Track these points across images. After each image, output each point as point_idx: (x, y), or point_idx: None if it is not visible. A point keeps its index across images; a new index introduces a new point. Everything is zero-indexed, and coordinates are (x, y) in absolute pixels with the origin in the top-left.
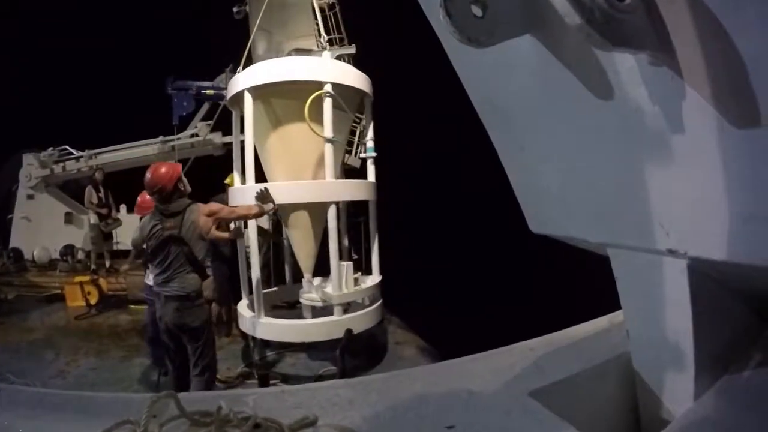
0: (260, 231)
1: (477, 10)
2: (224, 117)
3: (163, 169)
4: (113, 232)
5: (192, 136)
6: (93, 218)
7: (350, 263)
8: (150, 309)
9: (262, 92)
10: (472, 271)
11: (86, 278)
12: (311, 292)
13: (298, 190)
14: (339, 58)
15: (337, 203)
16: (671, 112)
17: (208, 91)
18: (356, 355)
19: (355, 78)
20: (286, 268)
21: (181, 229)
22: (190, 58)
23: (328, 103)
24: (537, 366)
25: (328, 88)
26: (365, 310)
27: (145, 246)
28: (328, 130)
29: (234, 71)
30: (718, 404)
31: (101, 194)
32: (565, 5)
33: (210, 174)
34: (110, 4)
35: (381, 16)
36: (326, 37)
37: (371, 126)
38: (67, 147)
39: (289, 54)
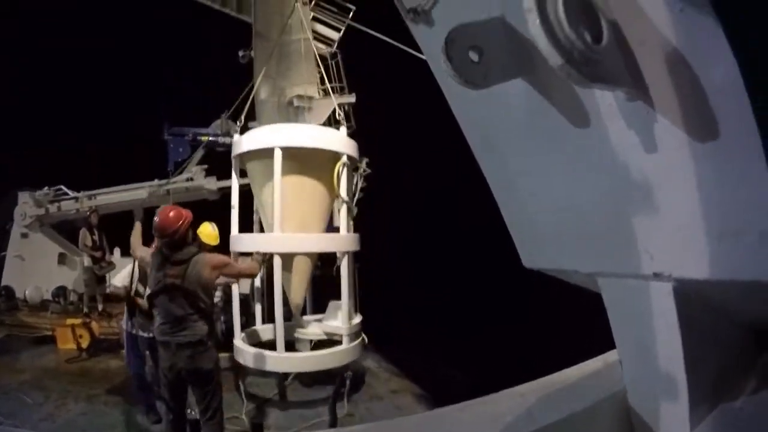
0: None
1: (474, 56)
2: (220, 162)
3: (171, 213)
4: (107, 275)
5: (187, 180)
6: (87, 261)
7: (351, 302)
8: (134, 356)
9: (288, 152)
10: (466, 307)
11: (78, 321)
12: (306, 328)
13: (313, 241)
14: (340, 105)
15: (347, 253)
16: (647, 143)
17: (203, 138)
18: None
19: (354, 148)
20: (257, 308)
21: (185, 278)
22: (187, 101)
23: (344, 171)
24: (528, 412)
25: (344, 159)
26: (357, 342)
27: (147, 291)
28: (344, 192)
29: (230, 117)
30: None
31: (96, 237)
32: (548, 48)
33: (203, 219)
34: (111, 48)
35: (379, 65)
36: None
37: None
38: (63, 187)
39: (291, 101)
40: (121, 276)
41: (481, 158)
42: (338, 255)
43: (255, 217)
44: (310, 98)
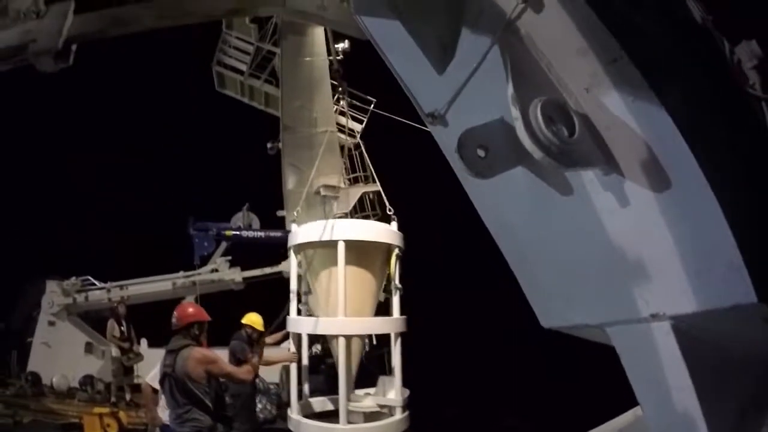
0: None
1: (481, 152)
2: (243, 253)
3: (184, 306)
4: (134, 366)
5: (212, 271)
6: (115, 351)
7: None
8: None
9: (347, 244)
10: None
11: (106, 410)
12: (360, 401)
13: (369, 324)
14: (365, 194)
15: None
16: (624, 205)
17: (227, 232)
18: None
19: (402, 239)
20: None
21: (174, 368)
22: (210, 194)
23: (396, 261)
24: None
25: (397, 250)
26: (406, 413)
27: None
28: (397, 280)
29: (250, 209)
30: None
31: (123, 327)
32: (531, 146)
33: (228, 309)
34: (136, 138)
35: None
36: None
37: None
38: (90, 277)
39: (318, 190)
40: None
41: (497, 235)
42: (392, 336)
43: (293, 302)
44: (337, 188)
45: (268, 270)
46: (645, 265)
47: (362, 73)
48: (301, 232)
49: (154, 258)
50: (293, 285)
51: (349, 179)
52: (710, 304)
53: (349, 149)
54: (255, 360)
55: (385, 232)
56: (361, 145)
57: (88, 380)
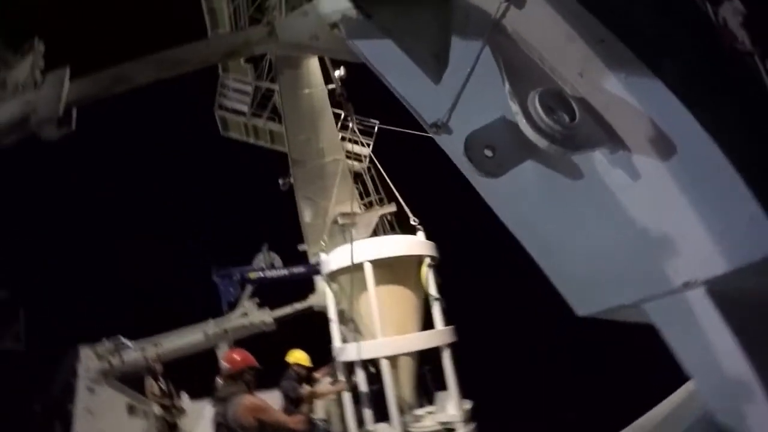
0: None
1: (488, 152)
2: (269, 292)
3: (232, 353)
4: (178, 421)
5: (242, 315)
6: (157, 409)
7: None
8: None
9: (377, 263)
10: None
11: None
12: (422, 421)
13: (414, 340)
14: (383, 216)
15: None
16: (635, 178)
17: (251, 275)
18: None
19: (434, 249)
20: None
21: (226, 416)
22: (229, 239)
23: (431, 271)
24: None
25: (428, 260)
26: (471, 427)
27: None
28: (433, 290)
29: (270, 249)
30: None
31: (162, 384)
32: (535, 136)
33: (262, 351)
34: (147, 194)
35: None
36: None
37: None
38: (121, 337)
39: (335, 219)
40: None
41: (517, 232)
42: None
43: (335, 331)
44: (354, 214)
45: (297, 306)
46: (668, 234)
47: (361, 97)
48: (331, 260)
49: (180, 311)
50: (332, 314)
51: (365, 204)
52: (740, 261)
53: (360, 174)
54: (306, 409)
55: (411, 245)
56: (372, 169)
57: None
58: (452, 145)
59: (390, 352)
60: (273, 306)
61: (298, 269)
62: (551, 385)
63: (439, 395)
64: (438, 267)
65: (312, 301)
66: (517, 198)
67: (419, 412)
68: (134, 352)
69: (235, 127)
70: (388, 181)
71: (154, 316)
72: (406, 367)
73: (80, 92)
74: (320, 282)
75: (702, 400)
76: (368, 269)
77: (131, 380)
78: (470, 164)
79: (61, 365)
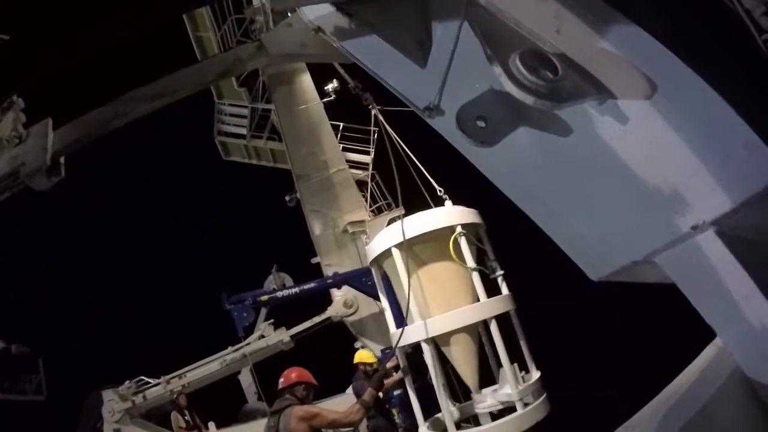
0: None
1: (481, 123)
2: (284, 311)
3: (289, 371)
4: None
5: (259, 338)
6: None
7: (515, 365)
8: None
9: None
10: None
11: None
12: (486, 401)
13: (466, 315)
14: (391, 220)
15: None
16: (631, 128)
17: (263, 298)
18: None
19: (470, 215)
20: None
21: (278, 428)
22: (241, 263)
23: (464, 240)
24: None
25: (458, 229)
26: (538, 401)
27: None
28: (470, 261)
29: (281, 269)
30: None
31: (187, 417)
32: (521, 94)
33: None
34: (153, 229)
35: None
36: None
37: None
38: (143, 377)
39: (345, 229)
40: None
41: (519, 201)
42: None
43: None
44: (363, 222)
45: (317, 319)
46: (668, 179)
47: (357, 107)
48: (371, 248)
49: (198, 342)
50: (383, 300)
51: (373, 210)
52: (744, 193)
53: (365, 182)
54: (366, 396)
55: (439, 217)
56: (376, 175)
57: None
58: (446, 126)
59: (433, 333)
60: (295, 321)
61: (309, 286)
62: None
63: (501, 371)
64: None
65: (330, 312)
66: (515, 167)
67: (486, 390)
68: (156, 389)
69: (236, 151)
70: (409, 153)
71: (172, 351)
72: (464, 346)
73: (65, 140)
74: (335, 294)
75: (729, 356)
76: (396, 253)
77: (158, 417)
78: (465, 136)
79: (84, 410)
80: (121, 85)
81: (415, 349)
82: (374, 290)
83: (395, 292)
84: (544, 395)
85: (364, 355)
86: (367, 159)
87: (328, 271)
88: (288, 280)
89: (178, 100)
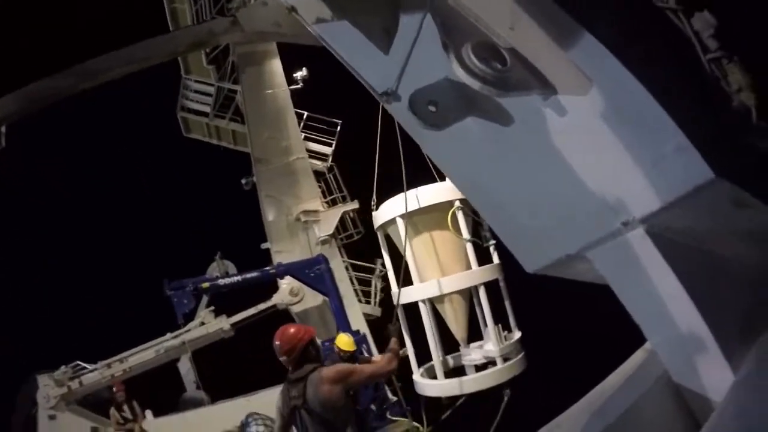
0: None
1: (432, 108)
2: (226, 299)
3: (291, 330)
4: None
5: (200, 325)
6: None
7: (499, 325)
8: None
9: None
10: None
11: None
12: (471, 355)
13: (459, 280)
14: (344, 214)
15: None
16: (572, 124)
17: (204, 285)
18: None
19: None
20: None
21: (305, 399)
22: (192, 245)
23: (461, 214)
24: None
25: (457, 203)
26: (515, 359)
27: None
28: (465, 233)
29: (222, 257)
30: (758, 370)
31: (125, 412)
32: (469, 79)
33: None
34: (102, 204)
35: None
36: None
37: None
38: (80, 362)
39: (298, 217)
40: None
41: (465, 190)
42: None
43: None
44: (316, 212)
45: (261, 306)
46: (603, 174)
47: (325, 97)
48: (379, 215)
49: (139, 328)
50: (387, 261)
51: (327, 202)
52: (672, 193)
53: (323, 173)
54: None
55: (440, 192)
56: (334, 167)
57: None
58: (401, 111)
59: (434, 294)
60: (240, 310)
61: (252, 275)
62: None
63: (486, 330)
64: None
65: (275, 300)
66: (461, 154)
67: (473, 345)
68: (93, 375)
69: (197, 128)
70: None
71: (111, 335)
72: (456, 306)
73: (5, 109)
74: (282, 281)
75: (658, 359)
76: (400, 224)
77: (93, 403)
78: (415, 118)
79: (19, 396)
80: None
81: (397, 318)
82: (317, 282)
83: (402, 255)
84: (522, 353)
85: (344, 341)
86: (327, 150)
87: (277, 258)
88: (231, 268)
89: (149, 69)
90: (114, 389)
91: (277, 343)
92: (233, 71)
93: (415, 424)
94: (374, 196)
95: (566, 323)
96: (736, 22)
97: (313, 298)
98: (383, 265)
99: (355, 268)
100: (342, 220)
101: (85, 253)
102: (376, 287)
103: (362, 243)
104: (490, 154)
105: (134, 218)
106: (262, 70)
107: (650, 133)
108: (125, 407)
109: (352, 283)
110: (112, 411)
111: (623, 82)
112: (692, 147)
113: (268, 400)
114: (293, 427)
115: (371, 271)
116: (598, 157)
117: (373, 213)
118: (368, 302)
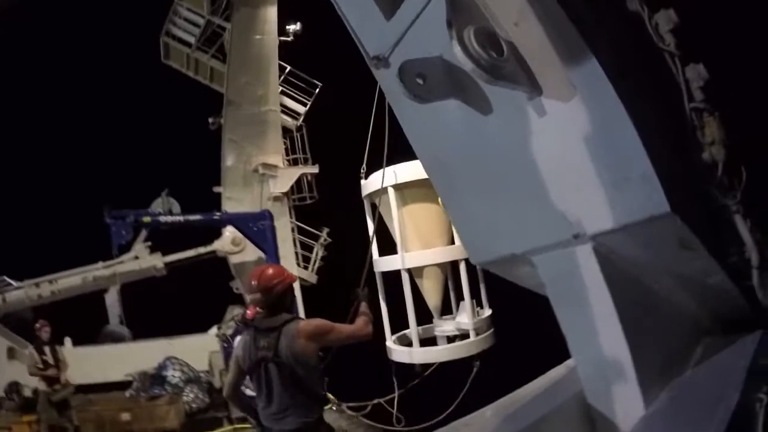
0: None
1: (419, 80)
2: (164, 238)
3: (272, 269)
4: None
5: (133, 259)
6: (41, 385)
7: (474, 300)
8: None
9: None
10: None
11: (35, 418)
12: (443, 326)
13: (442, 253)
14: (303, 176)
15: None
16: (548, 128)
17: (145, 219)
18: None
19: None
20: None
21: (277, 351)
22: (128, 181)
23: None
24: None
25: None
26: (486, 334)
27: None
28: None
29: (169, 195)
30: (668, 409)
31: (46, 356)
32: (463, 58)
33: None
34: (47, 122)
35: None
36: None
37: None
38: (5, 277)
39: (256, 168)
40: None
41: (429, 168)
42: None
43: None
44: (276, 167)
45: (201, 250)
46: (567, 184)
47: (310, 57)
48: (369, 184)
49: (70, 250)
50: (371, 230)
51: (289, 160)
52: (627, 217)
53: (291, 130)
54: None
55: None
56: (303, 127)
57: (14, 387)
58: (388, 80)
59: (413, 264)
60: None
61: (195, 217)
62: None
63: (462, 303)
64: None
65: (216, 245)
66: (436, 133)
67: (447, 318)
68: (17, 293)
69: (176, 57)
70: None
71: (42, 255)
72: (433, 278)
73: None
74: (225, 229)
75: (577, 378)
76: (391, 193)
77: (14, 323)
78: (401, 86)
79: None
80: None
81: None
82: (258, 237)
83: (387, 223)
84: (492, 329)
85: None
86: (301, 109)
87: (227, 204)
88: (176, 207)
89: None
90: (37, 325)
91: (254, 281)
92: (227, 8)
93: None
94: (364, 165)
95: (531, 305)
96: (725, 82)
97: (253, 252)
98: (328, 234)
99: (301, 231)
100: (299, 181)
101: (31, 167)
102: (317, 254)
103: (313, 208)
104: (462, 137)
105: (89, 137)
106: (256, 14)
107: (620, 155)
108: (47, 350)
109: (295, 245)
110: (31, 351)
111: (606, 102)
112: (656, 178)
113: (189, 346)
114: (249, 384)
115: (316, 237)
116: (567, 166)
117: (362, 181)
118: (306, 267)
